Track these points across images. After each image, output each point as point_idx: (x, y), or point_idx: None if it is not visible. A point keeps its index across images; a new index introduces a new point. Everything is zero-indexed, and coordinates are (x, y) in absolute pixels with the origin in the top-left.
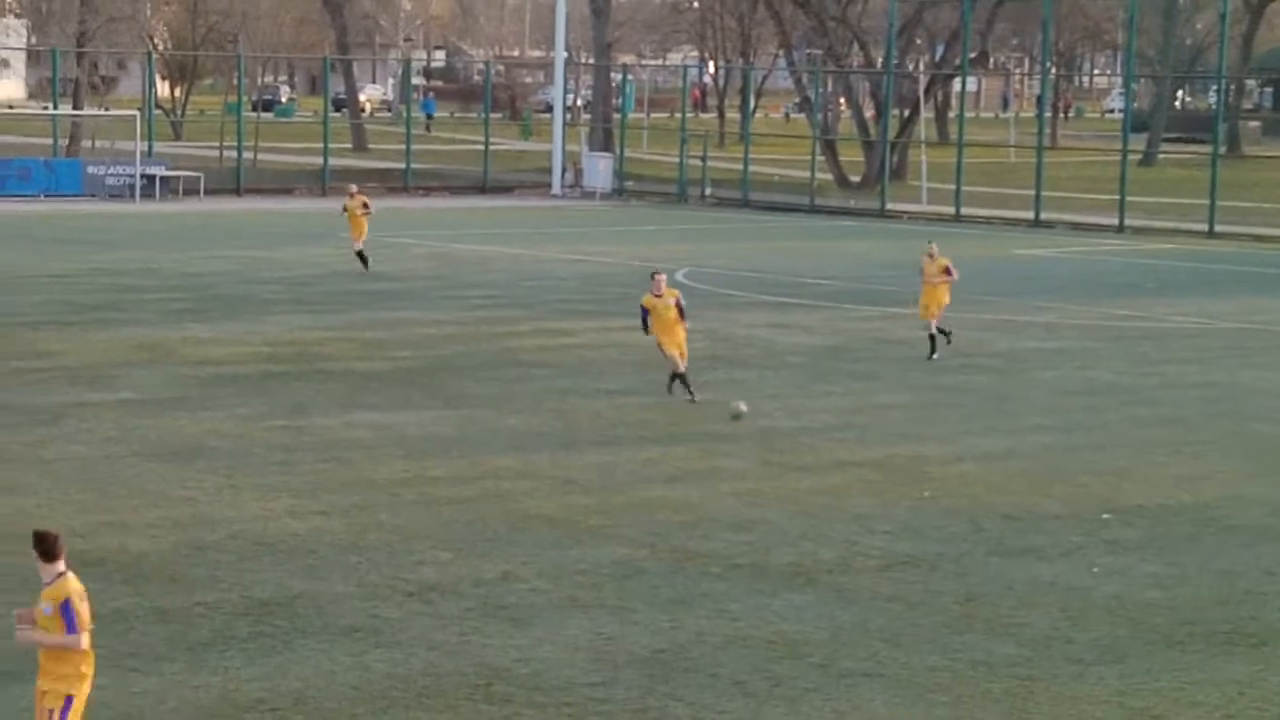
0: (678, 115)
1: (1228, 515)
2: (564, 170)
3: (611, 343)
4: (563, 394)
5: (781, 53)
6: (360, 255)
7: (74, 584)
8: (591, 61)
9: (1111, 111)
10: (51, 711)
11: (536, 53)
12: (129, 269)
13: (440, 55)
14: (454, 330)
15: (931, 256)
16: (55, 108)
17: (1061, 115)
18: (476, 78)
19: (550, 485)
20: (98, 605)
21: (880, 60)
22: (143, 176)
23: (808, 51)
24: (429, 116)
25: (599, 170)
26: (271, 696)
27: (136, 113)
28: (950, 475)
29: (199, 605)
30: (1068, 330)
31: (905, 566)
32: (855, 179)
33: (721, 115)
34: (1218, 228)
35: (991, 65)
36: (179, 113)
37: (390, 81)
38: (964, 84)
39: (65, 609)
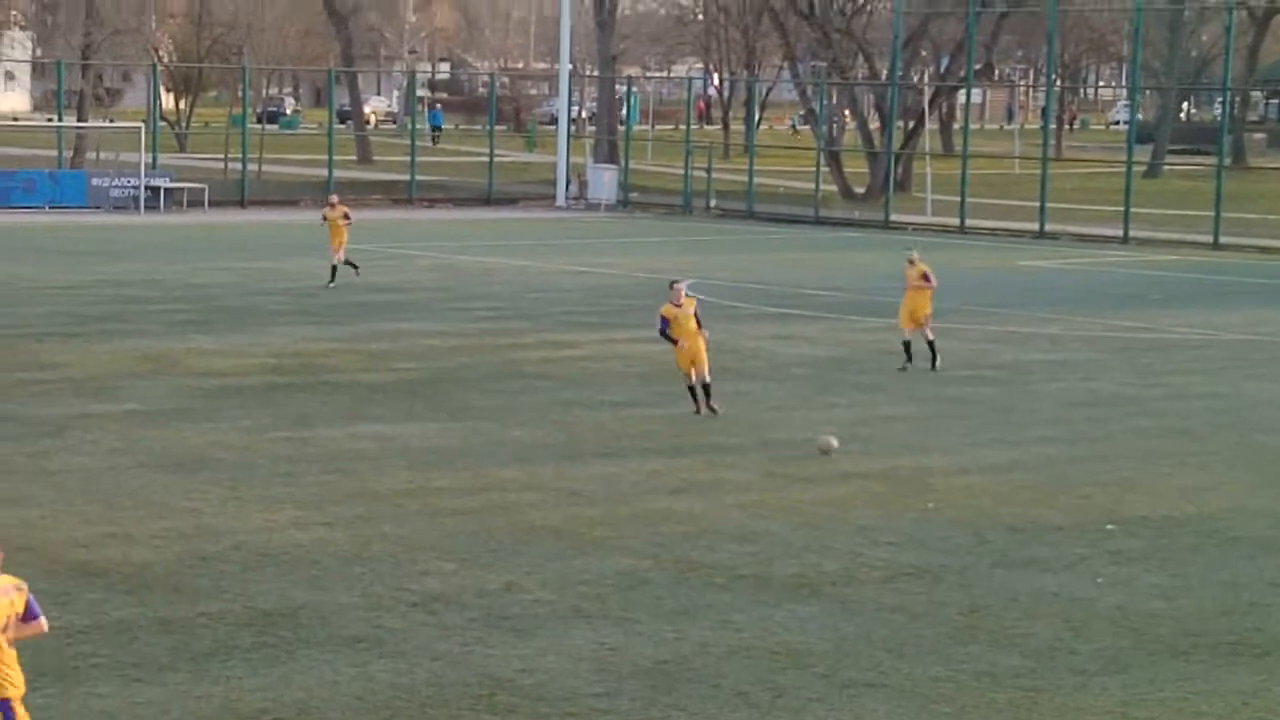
0: (682, 127)
1: (1232, 527)
2: (569, 182)
3: (616, 355)
4: (567, 406)
5: (786, 65)
6: (334, 268)
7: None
8: (596, 74)
9: (1116, 123)
10: None
11: (541, 65)
12: (134, 280)
13: (445, 68)
14: (458, 342)
15: (912, 263)
16: (60, 120)
17: (1066, 127)
18: (481, 90)
19: (554, 496)
20: (101, 615)
21: (885, 72)
22: (147, 188)
23: (812, 64)
24: (436, 129)
25: (604, 182)
26: (275, 706)
27: (141, 125)
28: (954, 487)
29: (202, 615)
30: (1072, 342)
31: (909, 577)
32: (860, 190)
33: (726, 127)
34: (1223, 239)
35: (996, 77)
36: (184, 125)
37: (395, 94)
38: (969, 96)
39: None
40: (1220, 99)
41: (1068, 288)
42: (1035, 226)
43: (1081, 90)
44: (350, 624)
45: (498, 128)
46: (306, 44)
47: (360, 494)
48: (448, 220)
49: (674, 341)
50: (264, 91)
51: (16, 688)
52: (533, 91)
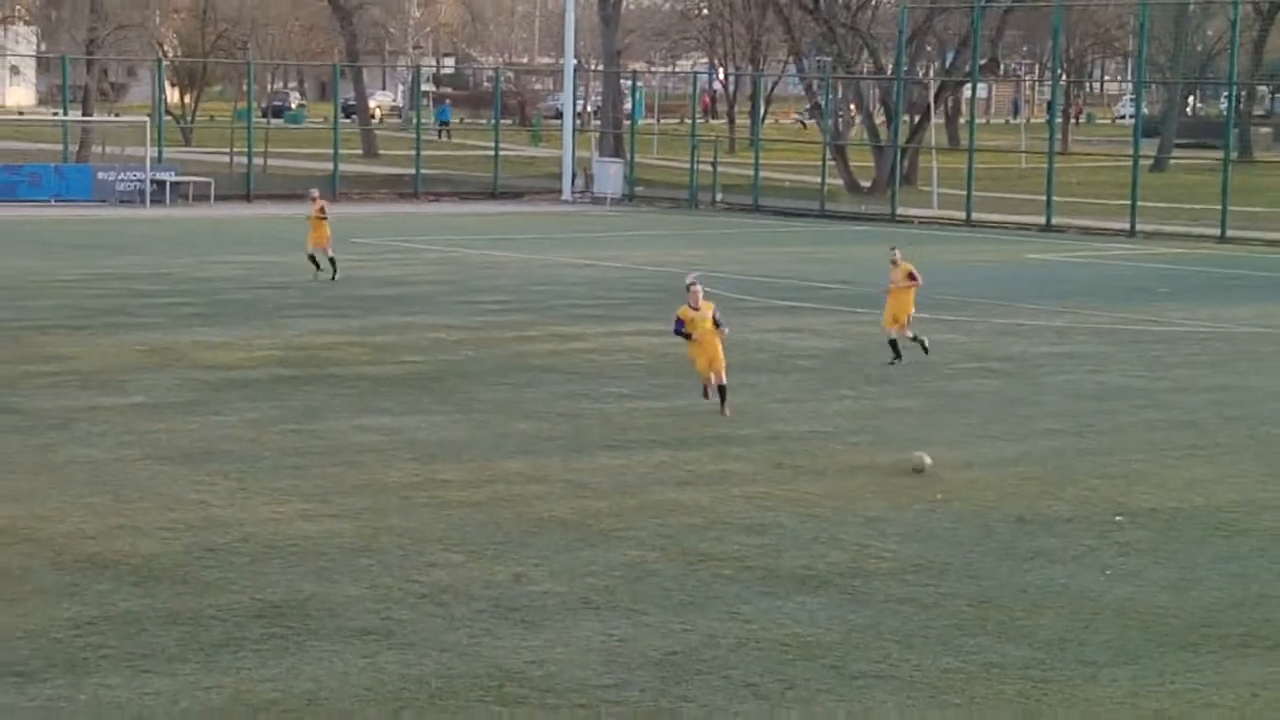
0: (687, 121)
1: (1240, 519)
2: (574, 176)
3: (622, 347)
4: (573, 398)
5: (791, 59)
6: (331, 260)
7: None
8: (601, 68)
9: (1122, 118)
10: None
11: (546, 59)
12: (139, 274)
13: (450, 62)
14: (464, 335)
15: (895, 263)
16: (65, 114)
17: (1072, 121)
18: (486, 84)
19: (562, 488)
20: (109, 607)
21: (890, 66)
22: (153, 182)
23: (817, 58)
24: (444, 123)
25: (609, 176)
26: (284, 698)
27: (146, 119)
28: (962, 479)
29: (211, 607)
30: (1079, 334)
31: (917, 569)
32: (866, 184)
33: (731, 121)
34: (1229, 233)
35: (1002, 72)
36: (189, 119)
37: (400, 88)
38: (974, 90)
39: None
40: (1226, 93)
41: (1074, 281)
42: (1042, 220)
43: (1087, 85)
44: (359, 615)
45: (503, 122)
46: (311, 39)
47: (367, 486)
48: (453, 214)
49: (688, 336)
50: (269, 86)
51: None
52: (538, 86)
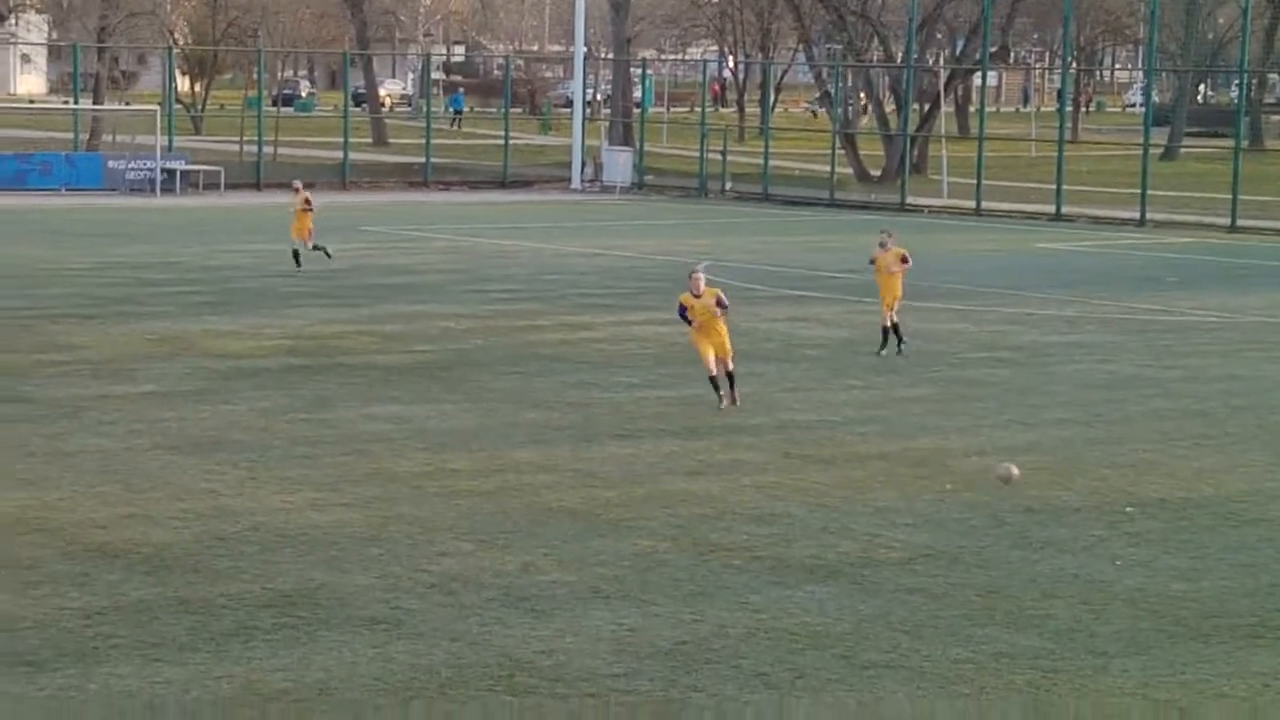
0: (697, 110)
1: (1251, 508)
2: (584, 165)
3: (631, 336)
4: (583, 387)
5: (801, 47)
6: (295, 254)
7: None
8: (611, 56)
9: (1133, 106)
10: None
11: (556, 48)
12: (149, 263)
13: (460, 50)
14: (474, 324)
15: (884, 246)
16: (76, 102)
17: (1082, 109)
18: (496, 72)
19: (571, 478)
20: (120, 596)
21: (900, 55)
22: (163, 171)
23: (827, 46)
24: (458, 112)
25: (619, 165)
26: (295, 687)
27: (157, 107)
28: (972, 468)
29: (222, 596)
30: (1089, 324)
31: (927, 559)
32: (875, 173)
33: (741, 110)
34: (1240, 222)
35: (1012, 60)
36: (199, 107)
37: (410, 76)
38: (984, 78)
39: None
40: (1237, 81)
41: (1084, 270)
42: (1052, 209)
43: (1097, 73)
44: (369, 605)
45: (513, 110)
46: (321, 27)
47: (377, 475)
48: (463, 203)
49: (689, 322)
50: (279, 74)
51: None
52: (548, 74)
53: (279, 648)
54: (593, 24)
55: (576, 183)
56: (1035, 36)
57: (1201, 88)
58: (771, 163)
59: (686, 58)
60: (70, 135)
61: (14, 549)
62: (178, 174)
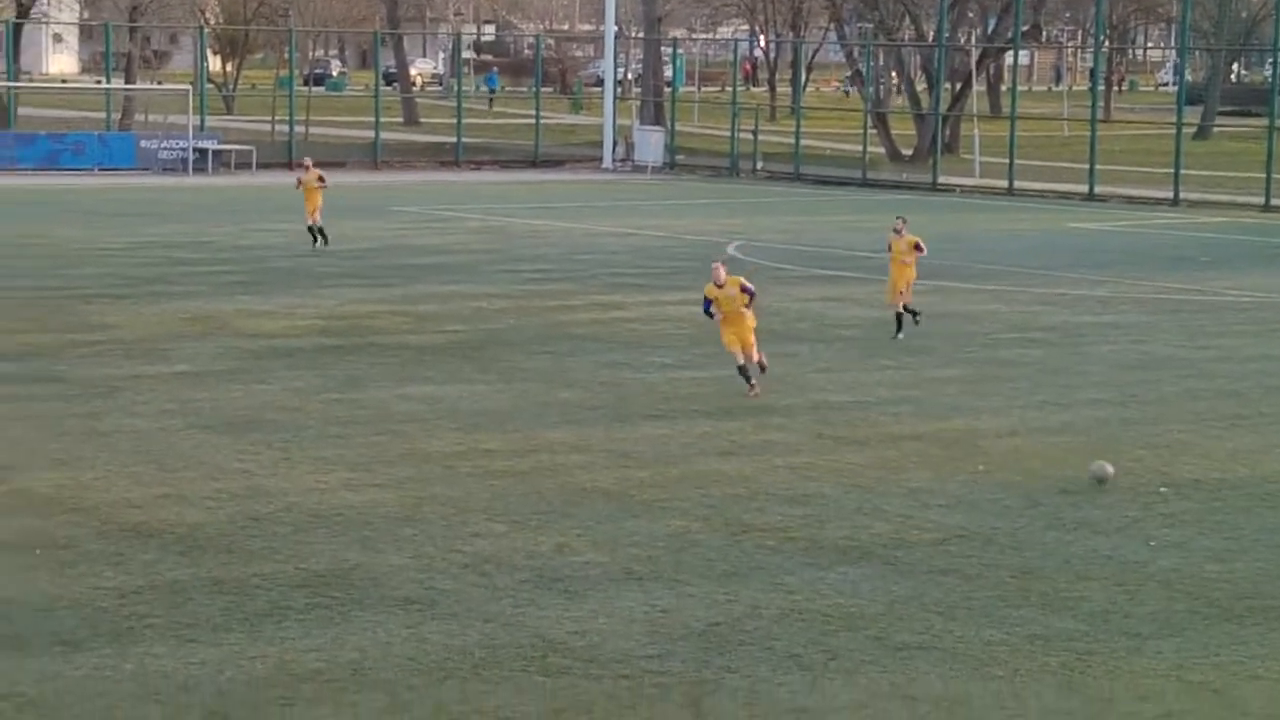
0: (728, 89)
1: None
2: (615, 144)
3: (664, 316)
4: (615, 367)
5: (832, 26)
6: (311, 230)
7: None
8: (642, 35)
9: (1165, 85)
10: None
11: (586, 27)
12: (182, 242)
13: (490, 29)
14: (506, 304)
15: (898, 232)
16: (108, 82)
17: (1115, 89)
18: (527, 52)
19: (604, 458)
20: (154, 576)
21: (932, 34)
22: (195, 150)
23: (859, 25)
24: (492, 91)
25: (650, 144)
26: (329, 668)
27: (189, 87)
28: (1005, 449)
29: (255, 576)
30: (1123, 304)
31: (960, 540)
32: (907, 153)
33: (773, 89)
34: (1274, 201)
35: (1044, 39)
36: (231, 87)
37: (441, 56)
38: (1016, 57)
39: None
40: (1270, 60)
41: (1117, 250)
42: (1084, 188)
43: (1130, 51)
44: (402, 585)
45: (544, 90)
46: (352, 6)
47: (410, 455)
48: (494, 182)
49: (712, 316)
50: (310, 54)
51: None
52: (578, 53)
53: (312, 628)
54: (623, 3)
55: (608, 162)
56: (1067, 15)
57: (1235, 66)
58: (803, 142)
59: (717, 37)
60: (103, 115)
61: (50, 529)
62: (210, 153)
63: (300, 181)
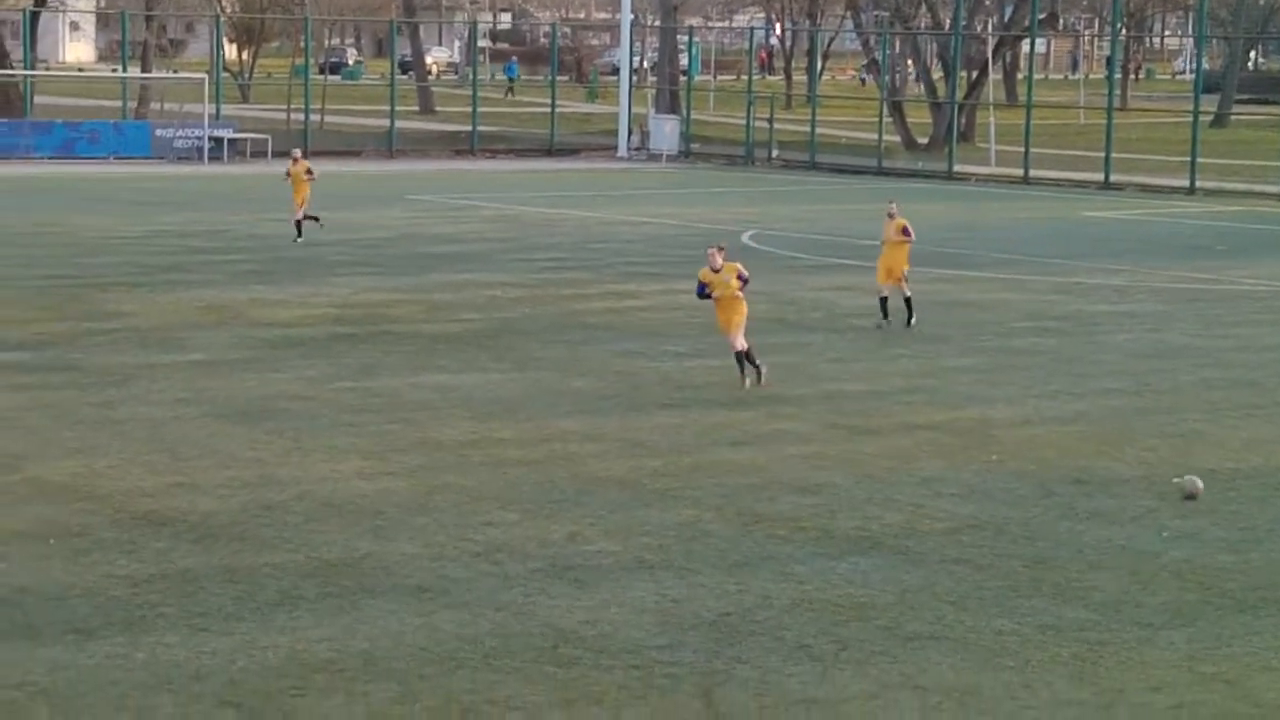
0: (744, 77)
1: None
2: (630, 133)
3: (678, 305)
4: (629, 356)
5: (848, 14)
6: (298, 225)
7: None
8: (658, 24)
9: (1182, 73)
10: None
11: (602, 15)
12: (197, 231)
13: (506, 18)
14: (520, 293)
15: (891, 216)
16: (124, 70)
17: (1132, 77)
18: (543, 40)
19: (617, 447)
20: (167, 565)
21: (948, 21)
22: (211, 139)
23: (875, 13)
24: (511, 80)
25: (665, 132)
26: (340, 657)
27: (204, 75)
28: (1019, 438)
29: (267, 565)
30: (1138, 293)
31: (973, 530)
32: (923, 141)
33: (788, 77)
34: None
35: (1061, 26)
36: (246, 75)
37: (457, 44)
38: (1032, 45)
39: None
40: None
41: (1133, 239)
42: (1100, 177)
43: (1147, 39)
44: (414, 574)
45: (559, 78)
46: None
47: (423, 444)
48: (510, 171)
49: (709, 298)
50: (326, 42)
51: None
52: (594, 42)
53: (324, 617)
54: None
55: (623, 150)
56: (1084, 3)
57: (1252, 54)
58: (818, 130)
59: (733, 25)
60: (119, 103)
61: (64, 517)
62: (225, 142)
63: (289, 173)
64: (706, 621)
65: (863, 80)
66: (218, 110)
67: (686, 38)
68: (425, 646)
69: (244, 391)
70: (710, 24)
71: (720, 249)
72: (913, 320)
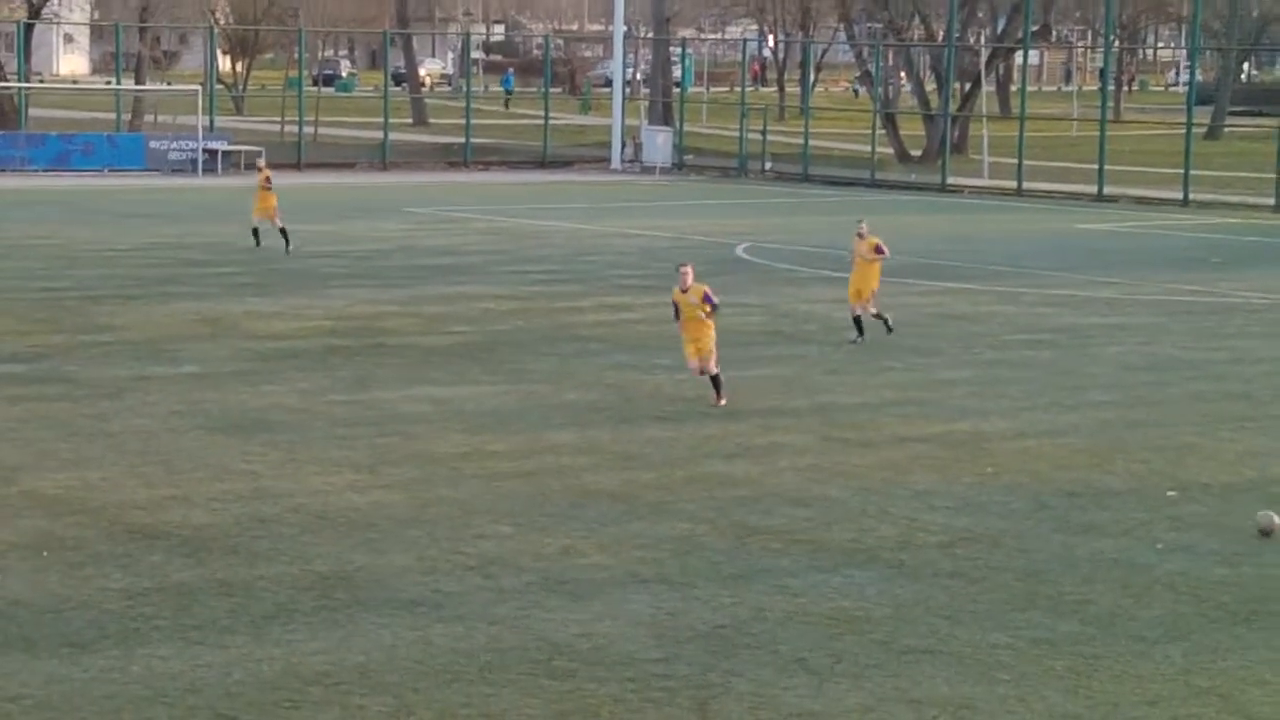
0: (737, 89)
1: None
2: (623, 145)
3: (670, 318)
4: (622, 369)
5: (841, 26)
6: (255, 232)
7: None
8: (650, 35)
9: (1176, 85)
10: None
11: (595, 27)
12: (191, 243)
13: (499, 29)
14: (513, 305)
15: (861, 235)
16: (118, 82)
17: (1125, 89)
18: (535, 52)
19: (610, 460)
20: (161, 578)
21: (941, 33)
22: (205, 151)
23: (868, 25)
24: (508, 92)
25: (658, 145)
26: (335, 670)
27: (198, 87)
28: (1012, 451)
29: (261, 578)
30: (1131, 305)
31: (967, 543)
32: (916, 153)
33: (781, 89)
34: None
35: (1054, 38)
36: (240, 87)
37: (450, 56)
38: (1025, 57)
39: None
40: None
41: (1126, 251)
42: (1093, 189)
43: (1140, 51)
44: (408, 587)
45: (552, 90)
46: (362, 6)
47: (417, 457)
48: (503, 183)
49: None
50: (319, 54)
51: None
52: (587, 54)
53: (319, 630)
54: (632, 3)
55: (616, 163)
56: (1077, 15)
57: (1245, 66)
58: (812, 142)
59: (726, 37)
60: (112, 115)
61: (58, 530)
62: (219, 154)
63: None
64: (701, 634)
65: (856, 92)
66: (211, 122)
67: (679, 50)
68: (420, 660)
69: (238, 404)
70: (703, 36)
71: (689, 267)
72: (890, 326)
